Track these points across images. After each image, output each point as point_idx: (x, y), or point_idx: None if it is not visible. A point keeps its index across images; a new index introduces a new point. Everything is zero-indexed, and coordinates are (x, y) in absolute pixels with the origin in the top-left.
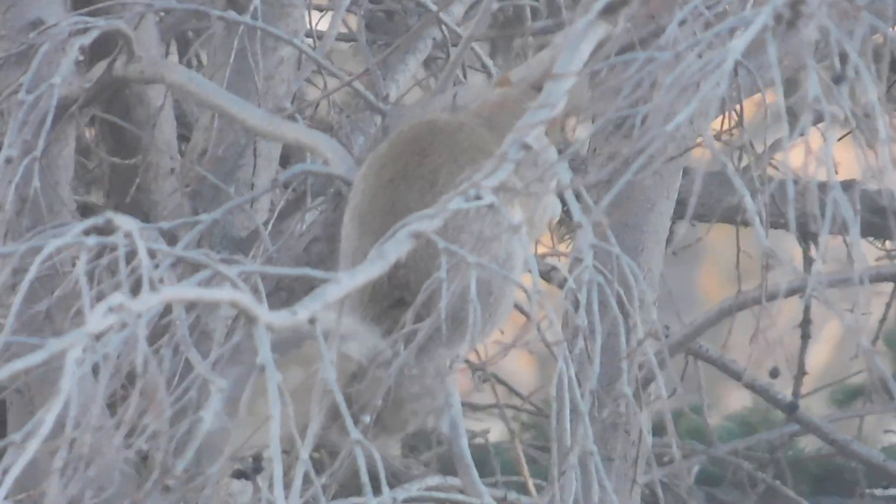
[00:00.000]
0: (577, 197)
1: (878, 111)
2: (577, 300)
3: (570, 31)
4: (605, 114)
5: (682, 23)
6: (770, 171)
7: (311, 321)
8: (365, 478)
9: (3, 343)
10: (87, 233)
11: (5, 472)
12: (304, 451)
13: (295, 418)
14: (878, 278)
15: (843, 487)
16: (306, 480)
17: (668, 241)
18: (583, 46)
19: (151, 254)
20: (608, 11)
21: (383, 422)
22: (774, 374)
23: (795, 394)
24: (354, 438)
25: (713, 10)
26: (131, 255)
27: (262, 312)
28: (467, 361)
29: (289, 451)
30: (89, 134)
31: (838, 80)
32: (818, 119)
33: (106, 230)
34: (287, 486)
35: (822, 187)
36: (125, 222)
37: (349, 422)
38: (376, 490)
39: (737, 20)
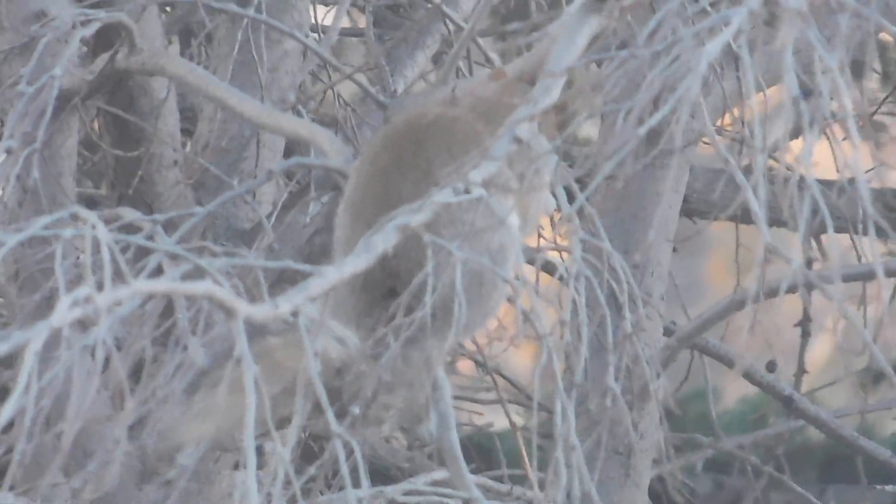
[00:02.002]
0: (568, 191)
1: (848, 116)
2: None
3: (562, 24)
4: (586, 110)
5: (661, 21)
6: (772, 166)
7: (294, 314)
8: (344, 469)
9: None
10: (57, 226)
11: None
12: (283, 446)
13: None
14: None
15: (851, 474)
16: (290, 471)
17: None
18: (577, 40)
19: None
20: (599, 2)
21: (363, 414)
22: (771, 367)
23: (796, 390)
24: (336, 431)
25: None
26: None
27: (241, 305)
28: (468, 355)
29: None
30: (93, 125)
31: (807, 94)
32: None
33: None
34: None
35: (826, 185)
36: (89, 215)
37: (330, 415)
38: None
39: (717, 18)
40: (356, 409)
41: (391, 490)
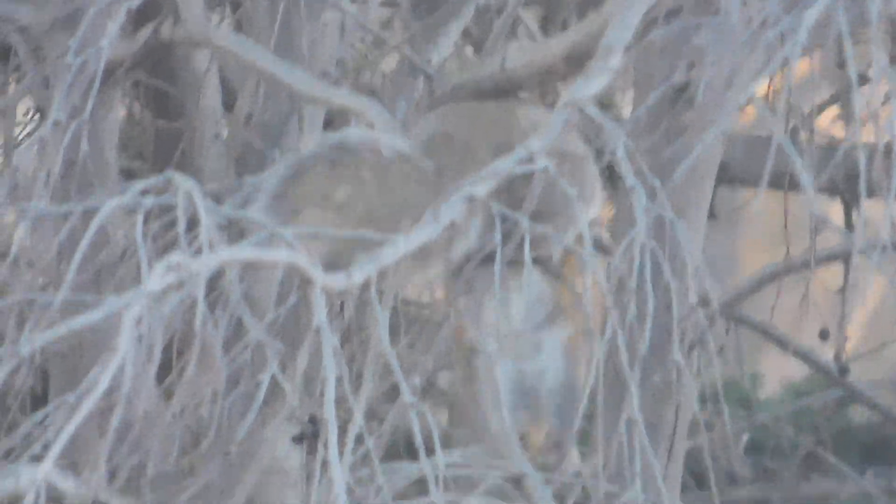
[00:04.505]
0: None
1: None
2: (627, 265)
3: None
4: (665, 79)
5: None
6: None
7: (367, 284)
8: (419, 440)
9: (59, 302)
10: (143, 194)
11: (58, 432)
12: (358, 413)
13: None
14: None
15: (892, 456)
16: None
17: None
18: (633, 12)
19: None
20: None
21: None
22: (824, 335)
23: (837, 359)
24: (408, 401)
25: None
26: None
27: (319, 275)
28: None
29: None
30: (134, 98)
31: None
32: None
33: (159, 192)
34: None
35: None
36: (184, 182)
37: (403, 386)
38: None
39: None
40: (416, 381)
41: (449, 461)
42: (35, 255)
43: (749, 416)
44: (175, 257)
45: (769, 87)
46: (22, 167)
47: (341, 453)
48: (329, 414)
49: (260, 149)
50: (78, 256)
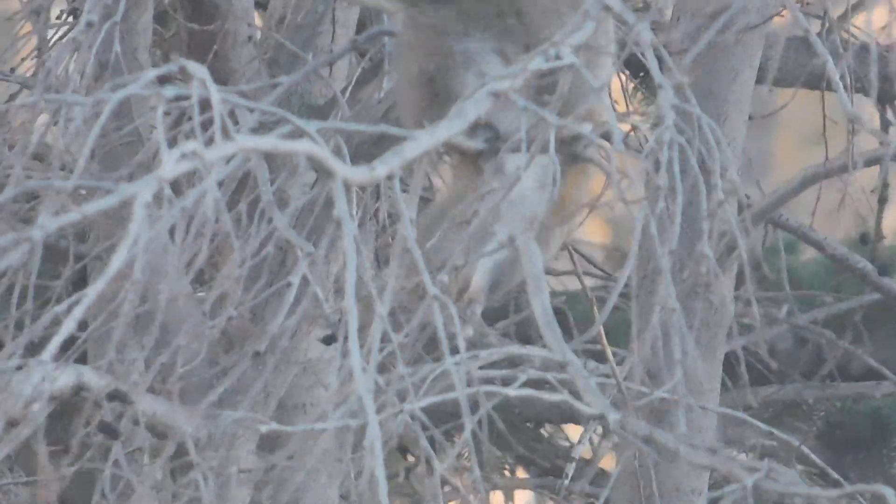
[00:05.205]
0: (659, 60)
1: None
2: (657, 161)
3: None
4: None
5: None
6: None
7: (390, 177)
8: (442, 332)
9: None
10: (161, 83)
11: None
12: (383, 308)
13: None
14: None
15: None
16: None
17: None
18: None
19: (231, 113)
20: None
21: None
22: (865, 240)
23: (873, 259)
24: (432, 293)
25: None
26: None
27: (340, 167)
28: None
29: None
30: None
31: None
32: None
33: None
34: (365, 345)
35: None
36: (197, 69)
37: (426, 276)
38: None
39: None
40: (445, 277)
41: (486, 354)
42: (69, 159)
43: (786, 319)
44: (190, 144)
45: None
46: (55, 69)
47: (366, 348)
48: (349, 303)
49: (293, 51)
50: (91, 138)
